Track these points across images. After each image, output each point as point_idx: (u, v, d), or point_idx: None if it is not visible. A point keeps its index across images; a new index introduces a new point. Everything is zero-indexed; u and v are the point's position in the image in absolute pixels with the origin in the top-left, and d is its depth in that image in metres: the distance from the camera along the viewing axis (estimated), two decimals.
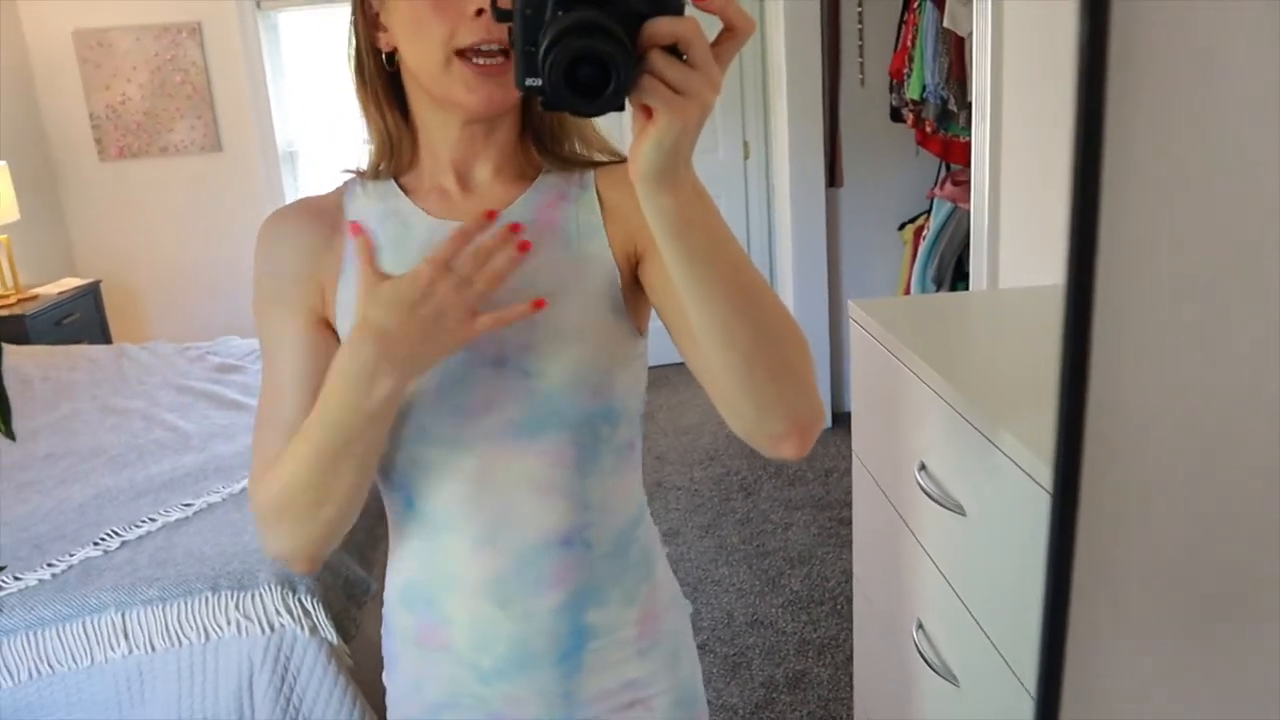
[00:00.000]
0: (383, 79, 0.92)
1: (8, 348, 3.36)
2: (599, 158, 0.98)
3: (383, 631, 1.06)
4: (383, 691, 1.11)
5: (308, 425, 0.85)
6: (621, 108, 0.63)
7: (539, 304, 0.84)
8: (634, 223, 0.91)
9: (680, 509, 3.33)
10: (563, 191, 0.95)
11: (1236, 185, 0.70)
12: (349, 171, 0.97)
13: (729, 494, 3.45)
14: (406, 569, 0.99)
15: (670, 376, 4.62)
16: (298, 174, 4.63)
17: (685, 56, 0.63)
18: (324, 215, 0.96)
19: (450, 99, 0.87)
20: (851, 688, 1.81)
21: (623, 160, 0.96)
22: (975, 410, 1.04)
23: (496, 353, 0.90)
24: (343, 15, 0.95)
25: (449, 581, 0.95)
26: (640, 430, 1.01)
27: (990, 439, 1.00)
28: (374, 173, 0.96)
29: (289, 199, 4.58)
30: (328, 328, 0.94)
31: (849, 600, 2.77)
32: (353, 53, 0.93)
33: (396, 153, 0.95)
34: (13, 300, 3.80)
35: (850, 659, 2.03)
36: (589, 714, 1.00)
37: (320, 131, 4.61)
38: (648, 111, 0.64)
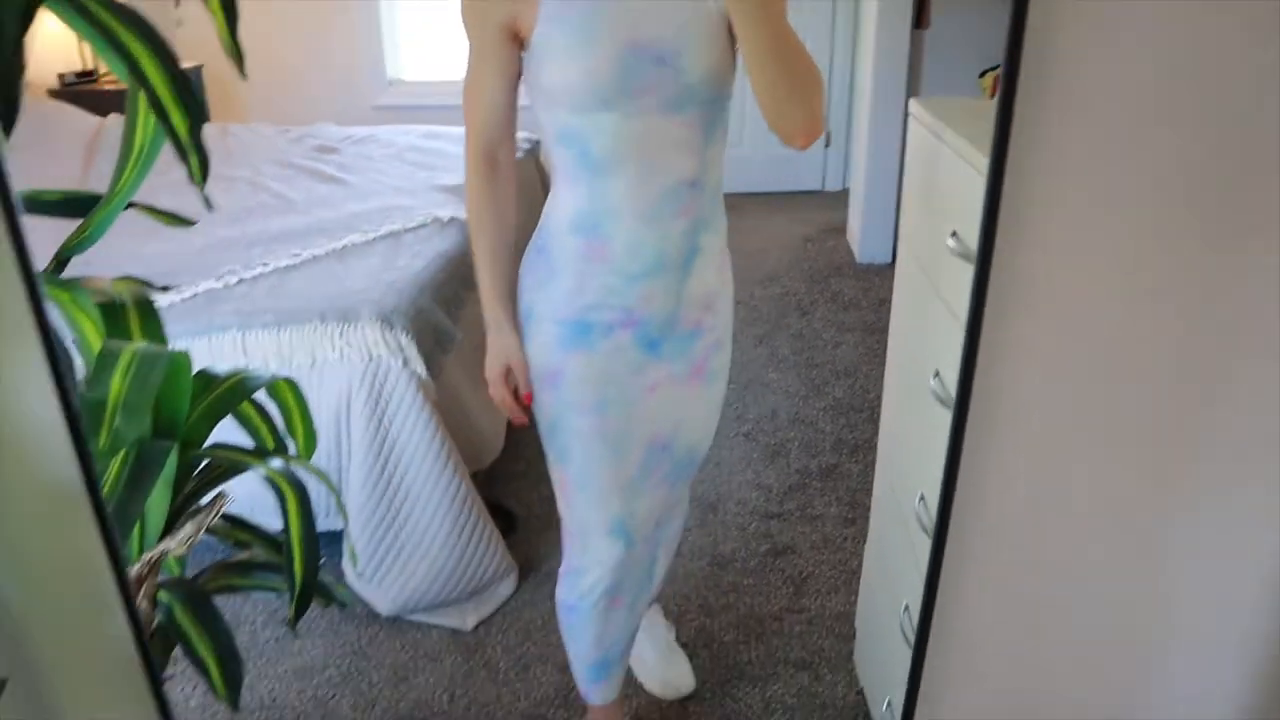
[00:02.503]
0: None
1: (119, 119, 3.60)
2: None
3: (534, 257, 1.50)
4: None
5: (481, 273, 1.49)
6: None
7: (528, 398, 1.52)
8: None
9: (739, 319, 3.49)
10: None
11: None
12: None
13: (786, 312, 3.64)
14: (575, 204, 1.41)
15: (740, 204, 4.75)
16: None
17: None
18: None
19: None
20: None
21: None
22: None
23: (657, 53, 1.29)
24: None
25: (611, 212, 1.39)
26: (728, 122, 1.44)
27: None
28: None
29: (381, 1, 4.71)
30: (517, 38, 1.34)
31: None
32: None
33: None
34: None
35: None
36: (686, 310, 1.48)
37: None
38: None
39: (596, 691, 1.75)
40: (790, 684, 2.00)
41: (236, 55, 0.78)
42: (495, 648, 2.12)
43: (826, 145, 5.03)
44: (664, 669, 1.99)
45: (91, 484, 0.76)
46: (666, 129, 1.35)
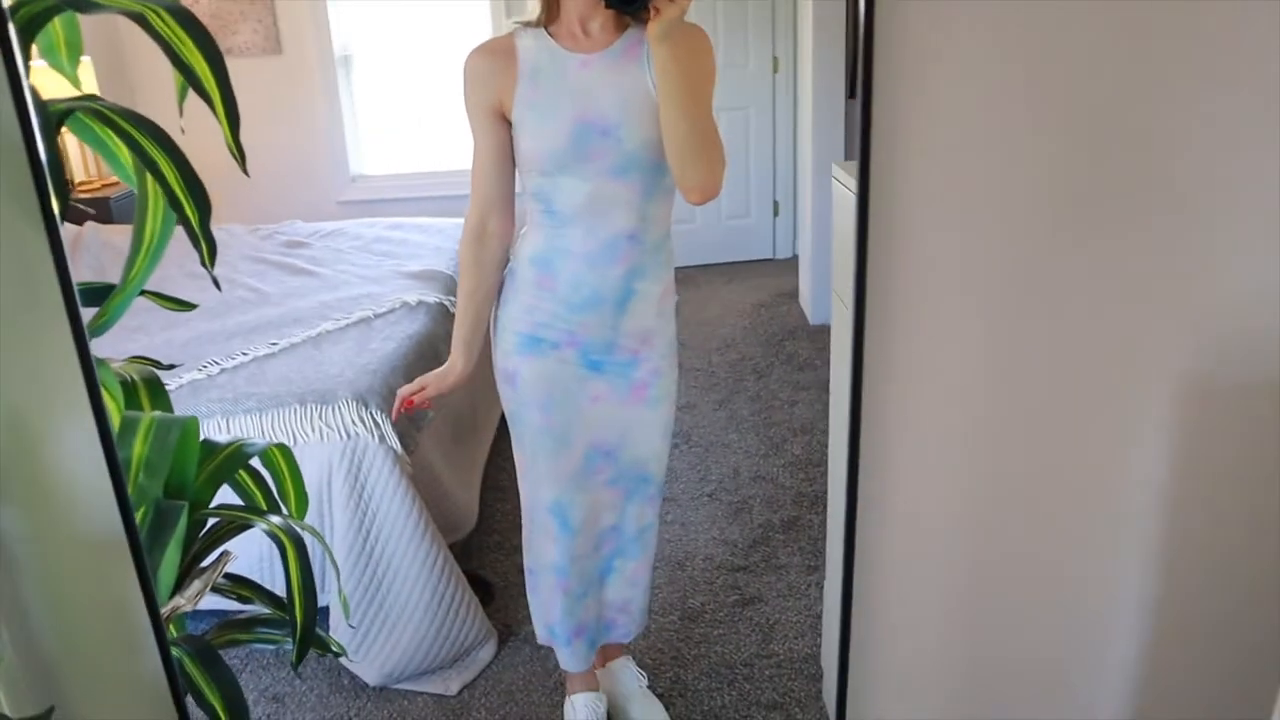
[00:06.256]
0: None
1: (96, 226, 3.73)
2: None
3: (506, 280, 1.81)
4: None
5: (461, 296, 1.81)
6: (645, 8, 1.44)
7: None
8: None
9: (698, 386, 3.67)
10: (640, 39, 1.61)
11: None
12: (517, 23, 1.69)
13: (742, 376, 3.79)
14: (537, 244, 1.73)
15: (695, 276, 4.94)
16: (351, 77, 4.93)
17: None
18: (500, 51, 1.66)
19: None
20: None
21: None
22: None
23: (603, 127, 1.60)
24: None
25: (562, 253, 1.71)
26: (674, 186, 1.67)
27: None
28: (535, 23, 1.65)
29: (343, 101, 4.91)
30: (504, 118, 1.66)
31: None
32: None
33: (550, 11, 1.63)
34: (97, 185, 4.16)
35: None
36: (624, 340, 1.77)
37: (373, 37, 4.89)
38: (656, 9, 1.43)
39: (565, 657, 2.01)
40: None
41: (239, 155, 0.92)
42: (479, 710, 2.20)
43: (775, 215, 5.25)
44: (639, 715, 2.09)
45: (131, 533, 0.87)
46: (612, 190, 1.65)
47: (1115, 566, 1.43)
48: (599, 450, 1.86)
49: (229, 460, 1.18)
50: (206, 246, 0.95)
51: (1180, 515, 1.39)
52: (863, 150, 1.09)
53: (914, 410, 1.30)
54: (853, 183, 1.70)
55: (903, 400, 1.29)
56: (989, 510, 1.39)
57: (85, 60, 4.14)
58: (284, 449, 1.32)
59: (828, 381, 3.68)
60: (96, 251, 3.25)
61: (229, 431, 2.14)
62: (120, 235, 3.63)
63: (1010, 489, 1.38)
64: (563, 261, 1.71)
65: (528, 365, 1.79)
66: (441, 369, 1.87)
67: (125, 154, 0.99)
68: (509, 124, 1.67)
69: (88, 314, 1.16)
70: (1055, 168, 1.20)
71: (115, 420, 1.01)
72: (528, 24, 1.68)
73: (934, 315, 1.26)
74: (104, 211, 4.08)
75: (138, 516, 0.95)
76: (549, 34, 1.65)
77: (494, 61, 1.66)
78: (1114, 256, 1.25)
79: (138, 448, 0.98)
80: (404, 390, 1.88)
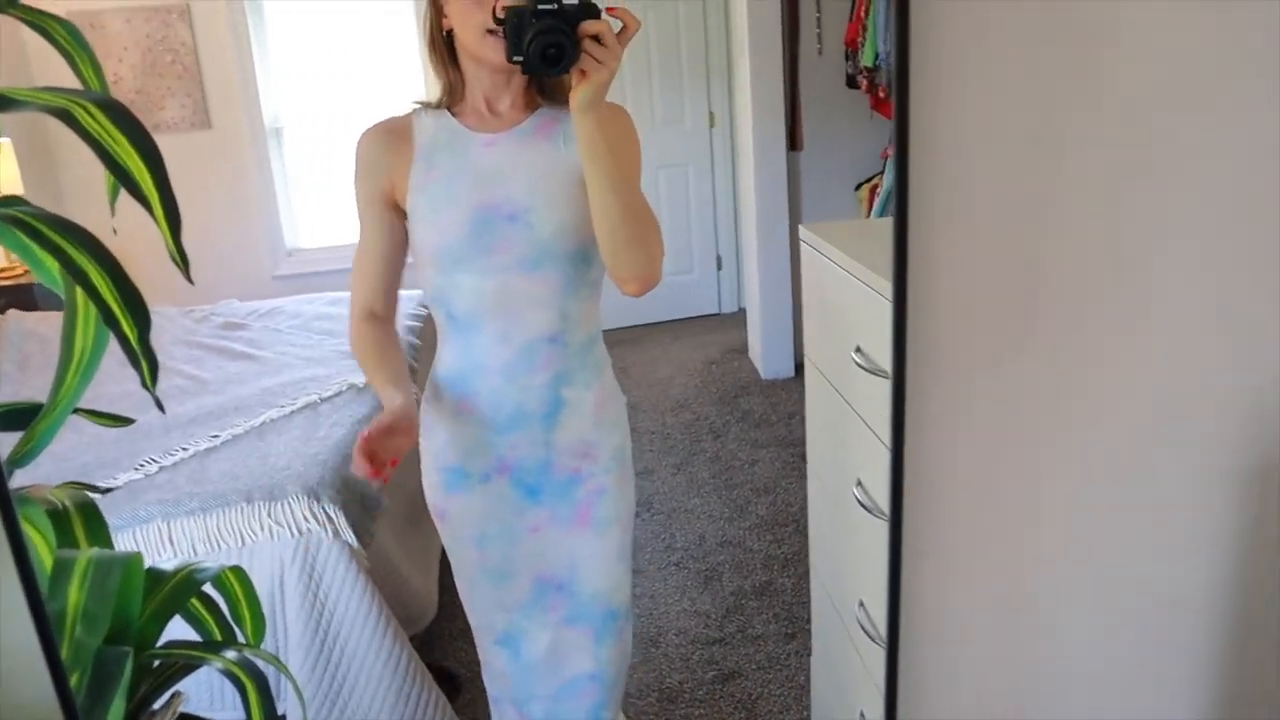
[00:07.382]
0: (445, 46, 1.44)
1: (19, 314, 3.56)
2: None
3: (424, 409, 1.56)
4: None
5: (365, 364, 1.50)
6: (568, 71, 1.23)
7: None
8: None
9: (654, 450, 3.58)
10: (555, 117, 1.46)
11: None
12: (417, 103, 1.48)
13: (699, 436, 3.71)
14: (449, 361, 1.52)
15: (643, 336, 4.88)
16: (283, 149, 4.83)
17: (602, 43, 1.21)
18: (395, 131, 1.49)
19: (485, 59, 1.39)
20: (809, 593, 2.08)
21: None
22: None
23: (510, 211, 1.41)
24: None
25: (477, 367, 1.48)
26: (602, 278, 1.50)
27: None
28: (437, 104, 1.49)
29: (275, 174, 4.80)
30: (397, 208, 1.47)
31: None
32: (426, 30, 1.44)
33: (453, 91, 1.47)
34: (20, 271, 3.99)
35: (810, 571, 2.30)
36: (560, 458, 1.54)
37: (304, 108, 4.80)
38: (582, 73, 1.24)
39: None
40: None
41: (182, 261, 0.83)
42: None
43: (719, 269, 5.22)
44: None
45: (68, 705, 0.76)
46: (523, 286, 1.43)
47: (1170, 668, 1.35)
48: (549, 584, 1.62)
49: (178, 590, 1.07)
50: (147, 365, 0.85)
51: (1243, 611, 1.32)
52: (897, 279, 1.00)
53: (956, 506, 1.21)
54: (825, 245, 1.65)
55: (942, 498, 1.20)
56: (1035, 610, 1.30)
57: (4, 143, 3.98)
58: (238, 571, 1.21)
59: (785, 437, 3.65)
60: (19, 343, 3.09)
61: (169, 536, 2.01)
62: (45, 324, 3.47)
63: (1059, 586, 1.28)
64: (479, 378, 1.49)
65: (456, 503, 1.58)
66: (379, 416, 1.36)
67: (52, 262, 0.89)
68: (404, 214, 1.47)
69: (10, 439, 1.05)
70: (1107, 239, 1.13)
71: (47, 563, 0.90)
72: (428, 105, 1.50)
73: (972, 391, 1.18)
74: (27, 298, 3.90)
75: (74, 680, 0.84)
76: (452, 114, 1.48)
77: (387, 142, 1.47)
78: (1172, 334, 1.18)
79: (73, 596, 0.86)
80: (358, 467, 1.30)
